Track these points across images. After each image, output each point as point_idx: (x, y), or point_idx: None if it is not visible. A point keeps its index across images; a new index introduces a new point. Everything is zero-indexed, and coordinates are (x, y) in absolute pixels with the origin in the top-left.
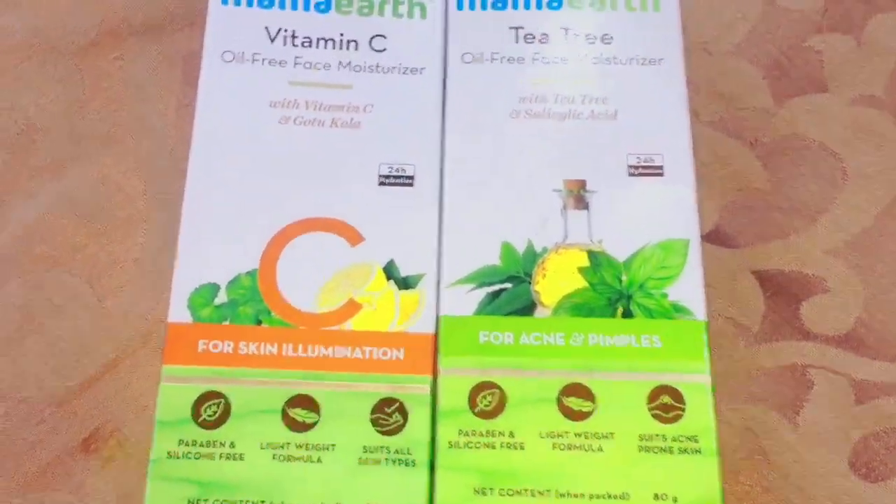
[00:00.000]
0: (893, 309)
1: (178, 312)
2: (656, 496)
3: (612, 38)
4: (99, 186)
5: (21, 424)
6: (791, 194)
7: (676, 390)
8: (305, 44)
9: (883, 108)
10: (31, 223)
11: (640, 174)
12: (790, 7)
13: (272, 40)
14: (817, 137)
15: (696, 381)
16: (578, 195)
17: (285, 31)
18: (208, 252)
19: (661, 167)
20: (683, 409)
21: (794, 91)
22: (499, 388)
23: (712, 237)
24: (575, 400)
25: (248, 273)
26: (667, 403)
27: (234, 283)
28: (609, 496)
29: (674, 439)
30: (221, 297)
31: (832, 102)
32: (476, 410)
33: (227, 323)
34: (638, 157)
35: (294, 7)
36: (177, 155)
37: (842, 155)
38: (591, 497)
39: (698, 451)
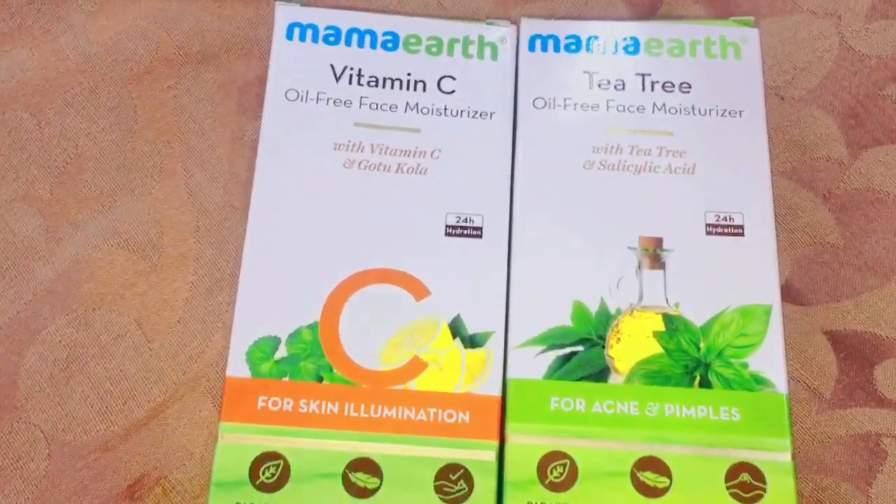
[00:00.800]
0: None
1: (237, 366)
2: None
3: (690, 86)
4: (149, 221)
5: (64, 469)
6: (864, 250)
7: (757, 469)
8: (371, 83)
9: None
10: (79, 257)
11: (719, 233)
12: (867, 52)
13: (337, 79)
14: (892, 191)
15: (777, 460)
16: (654, 254)
17: (351, 69)
18: (268, 303)
19: (741, 226)
20: (765, 490)
21: (869, 142)
22: (570, 458)
23: (783, 294)
24: (650, 475)
25: (310, 326)
26: (746, 482)
27: (294, 337)
28: None
29: None
30: (282, 352)
31: None
32: (546, 482)
33: (286, 379)
34: (717, 216)
35: (361, 45)
36: (230, 190)
37: None
38: None
39: None
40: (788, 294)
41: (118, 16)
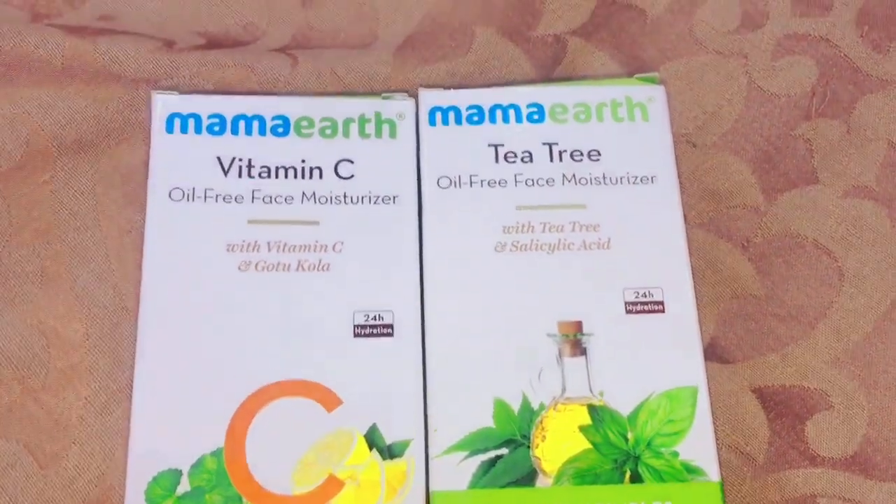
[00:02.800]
0: None
1: None
2: None
3: (600, 153)
4: (33, 332)
5: None
6: (787, 299)
7: None
8: (263, 174)
9: (876, 200)
10: None
11: (639, 311)
12: (777, 91)
13: (226, 172)
14: (810, 235)
15: None
16: (575, 340)
17: (240, 160)
18: (166, 429)
19: (661, 302)
20: None
21: (784, 185)
22: None
23: (708, 352)
24: None
25: (213, 454)
26: None
27: (197, 467)
28: None
29: None
30: (184, 485)
31: (824, 195)
32: None
33: None
34: (636, 293)
35: (249, 132)
36: (121, 291)
37: (836, 254)
38: None
39: None
40: (713, 352)
41: None
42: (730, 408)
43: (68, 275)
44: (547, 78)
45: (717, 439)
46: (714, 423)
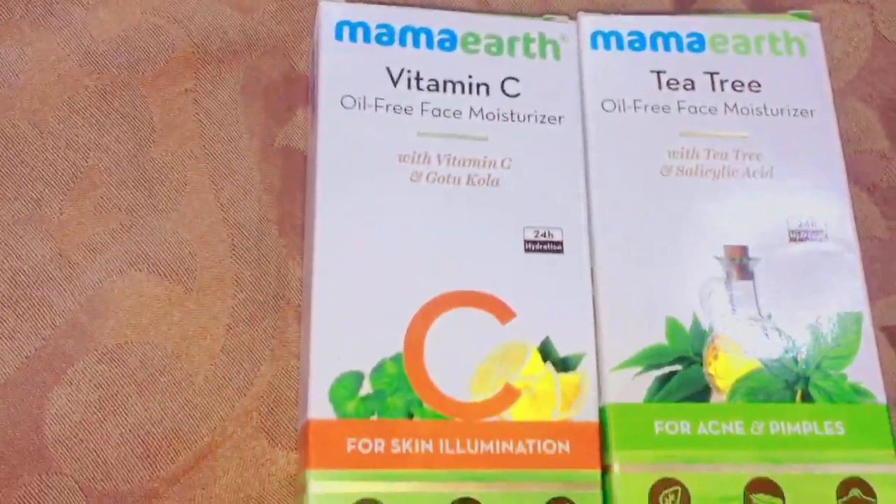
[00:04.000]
0: None
1: (320, 407)
2: None
3: (760, 85)
4: (177, 241)
5: None
6: None
7: (866, 483)
8: (432, 87)
9: None
10: (101, 285)
11: (802, 240)
12: None
13: (395, 83)
14: None
15: (885, 472)
16: (741, 263)
17: (409, 71)
18: (346, 335)
19: (822, 231)
20: (875, 503)
21: None
22: (681, 485)
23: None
24: (764, 497)
25: (393, 358)
26: (857, 497)
27: (378, 371)
28: None
29: None
30: (366, 388)
31: None
32: None
33: (375, 417)
34: (799, 221)
35: (416, 45)
36: (265, 203)
37: None
38: None
39: None
40: None
41: (123, 9)
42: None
43: (212, 186)
44: (684, 11)
45: None
46: None
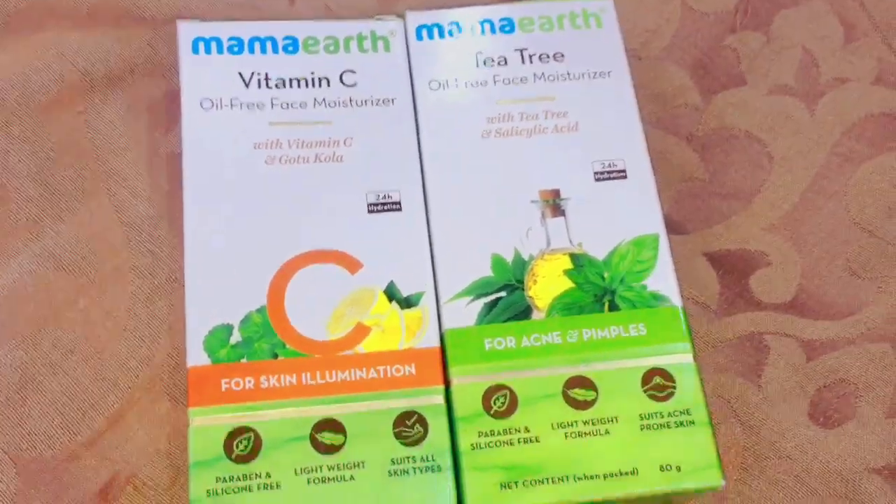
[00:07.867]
0: (827, 274)
1: (196, 356)
2: (662, 468)
3: (563, 55)
4: (80, 240)
5: (34, 483)
6: (727, 181)
7: (666, 371)
8: (279, 85)
9: (795, 96)
10: (17, 284)
11: (606, 178)
12: (705, 10)
13: (247, 85)
14: (743, 127)
15: (681, 362)
16: (554, 204)
17: (258, 74)
18: (216, 294)
19: (623, 171)
20: (675, 387)
21: (717, 87)
22: (509, 389)
23: (665, 227)
24: (579, 391)
25: (258, 310)
26: (659, 384)
27: (246, 322)
28: (621, 474)
29: (670, 415)
30: (236, 337)
31: (752, 94)
32: (491, 412)
33: (244, 360)
34: (602, 164)
35: (263, 51)
36: (155, 202)
37: (766, 141)
38: (605, 477)
39: (693, 423)
40: (669, 226)
41: (18, 52)
42: (686, 269)
43: (107, 191)
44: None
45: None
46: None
